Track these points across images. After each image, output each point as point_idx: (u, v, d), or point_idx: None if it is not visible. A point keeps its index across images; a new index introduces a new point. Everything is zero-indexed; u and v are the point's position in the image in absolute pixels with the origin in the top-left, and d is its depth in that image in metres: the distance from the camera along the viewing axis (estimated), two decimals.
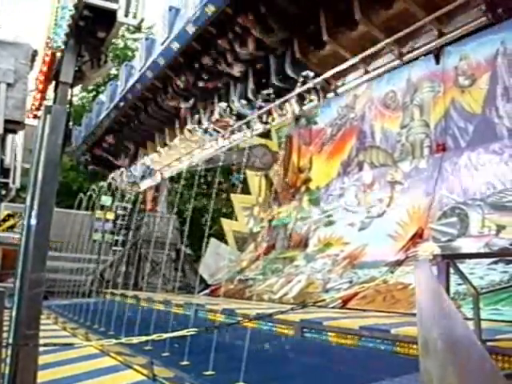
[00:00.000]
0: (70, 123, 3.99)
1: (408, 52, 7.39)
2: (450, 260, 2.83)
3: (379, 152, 13.28)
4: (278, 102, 9.16)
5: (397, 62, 7.58)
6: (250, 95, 9.14)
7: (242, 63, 8.68)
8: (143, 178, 16.00)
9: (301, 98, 8.98)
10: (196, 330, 4.18)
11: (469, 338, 1.85)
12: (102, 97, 15.54)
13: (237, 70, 8.98)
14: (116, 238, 19.67)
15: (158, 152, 13.39)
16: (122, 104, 12.36)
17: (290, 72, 8.12)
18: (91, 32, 3.71)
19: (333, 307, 9.35)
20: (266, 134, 18.54)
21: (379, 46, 7.28)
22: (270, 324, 7.00)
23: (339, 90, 8.73)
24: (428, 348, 1.87)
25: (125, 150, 14.95)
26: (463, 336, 1.82)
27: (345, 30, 7.21)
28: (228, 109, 10.02)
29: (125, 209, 20.39)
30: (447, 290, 2.72)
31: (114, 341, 4.10)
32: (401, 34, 7.00)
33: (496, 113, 10.56)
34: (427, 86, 12.21)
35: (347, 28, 7.17)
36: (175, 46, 9.19)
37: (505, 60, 10.54)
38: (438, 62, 12.00)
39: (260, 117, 9.98)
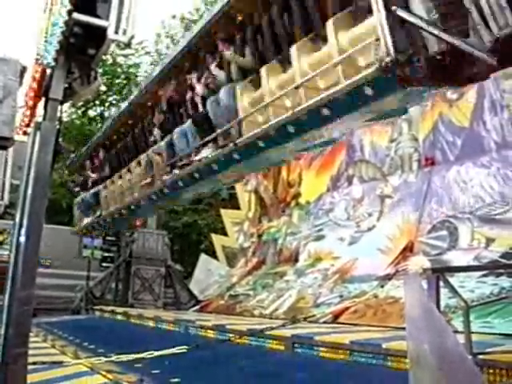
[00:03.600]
0: (60, 140, 3.99)
1: None
2: (439, 273, 2.84)
3: (368, 166, 13.35)
4: None
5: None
6: None
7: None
8: None
9: None
10: (186, 347, 4.15)
11: (459, 352, 1.86)
12: None
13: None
14: (106, 254, 19.58)
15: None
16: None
17: None
18: (81, 49, 3.72)
19: (324, 322, 9.33)
20: None
21: None
22: (261, 340, 6.97)
23: None
24: (418, 361, 1.88)
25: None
26: (453, 350, 1.83)
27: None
28: None
29: None
30: (437, 303, 2.72)
31: (104, 359, 4.06)
32: None
33: (484, 126, 10.66)
34: None
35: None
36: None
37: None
38: None
39: None
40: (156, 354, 4.03)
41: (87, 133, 28.54)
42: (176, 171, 8.86)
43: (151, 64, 32.12)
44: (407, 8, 4.24)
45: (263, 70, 6.59)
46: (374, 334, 6.67)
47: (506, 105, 10.38)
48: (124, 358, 4.15)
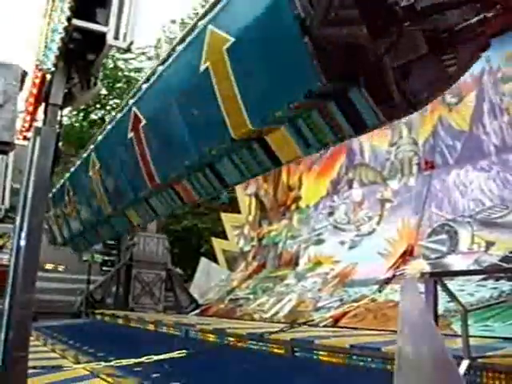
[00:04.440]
0: (60, 144, 4.02)
1: None
2: (437, 278, 2.85)
3: (368, 170, 13.37)
4: None
5: None
6: None
7: None
8: None
9: None
10: (186, 351, 4.16)
11: (445, 360, 1.87)
12: None
13: None
14: (106, 257, 19.59)
15: None
16: None
17: None
18: (81, 54, 3.75)
19: (324, 326, 9.33)
20: None
21: None
22: (260, 343, 6.97)
23: None
24: (404, 365, 1.89)
25: None
26: (440, 357, 1.84)
27: None
28: None
29: None
30: (435, 307, 2.74)
31: (104, 363, 4.07)
32: None
33: (483, 130, 10.68)
34: None
35: None
36: None
37: (490, 78, 10.69)
38: None
39: None
40: (156, 358, 4.04)
41: (88, 137, 28.60)
42: None
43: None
44: None
45: None
46: (373, 338, 6.67)
47: (506, 108, 10.41)
48: (124, 362, 4.16)
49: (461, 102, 11.24)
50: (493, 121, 10.54)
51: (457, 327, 6.12)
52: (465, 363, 3.06)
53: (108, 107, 30.64)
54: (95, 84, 3.98)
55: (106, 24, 3.63)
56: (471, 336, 4.55)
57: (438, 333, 1.98)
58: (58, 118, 3.87)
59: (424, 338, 1.85)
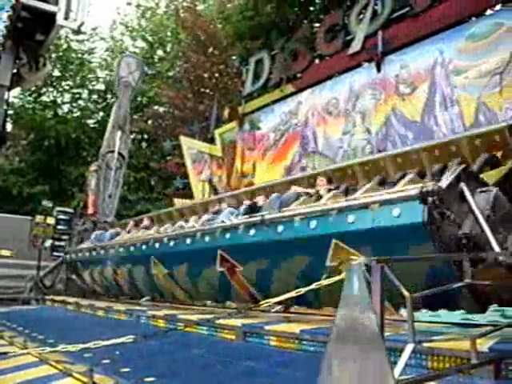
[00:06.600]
0: (8, 125, 3.93)
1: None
2: (383, 263, 2.92)
3: (321, 158, 13.49)
4: None
5: None
6: None
7: None
8: None
9: None
10: (134, 336, 4.15)
11: (376, 342, 1.94)
12: None
13: None
14: (57, 243, 19.29)
15: None
16: None
17: None
18: (29, 34, 3.67)
19: (276, 311, 9.41)
20: (210, 139, 18.60)
21: None
22: (212, 329, 7.01)
23: None
24: (339, 331, 1.96)
25: None
26: (372, 338, 1.91)
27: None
28: None
29: (66, 213, 20.04)
30: (381, 292, 2.80)
31: (49, 349, 4.01)
32: None
33: (434, 120, 10.91)
34: (369, 94, 12.50)
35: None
36: None
37: (442, 70, 10.90)
38: (379, 70, 12.30)
39: None
40: (103, 343, 4.01)
41: (40, 119, 27.97)
42: None
43: (106, 50, 31.74)
44: None
45: None
46: (324, 324, 6.77)
47: (456, 100, 10.63)
48: (71, 348, 4.12)
49: (414, 93, 11.45)
50: (444, 112, 10.77)
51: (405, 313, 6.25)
52: (410, 346, 3.15)
53: (60, 89, 30.06)
54: (44, 65, 3.90)
55: (56, 3, 3.56)
56: (419, 321, 4.67)
57: (370, 305, 2.05)
58: (5, 98, 3.79)
59: (359, 309, 1.92)
